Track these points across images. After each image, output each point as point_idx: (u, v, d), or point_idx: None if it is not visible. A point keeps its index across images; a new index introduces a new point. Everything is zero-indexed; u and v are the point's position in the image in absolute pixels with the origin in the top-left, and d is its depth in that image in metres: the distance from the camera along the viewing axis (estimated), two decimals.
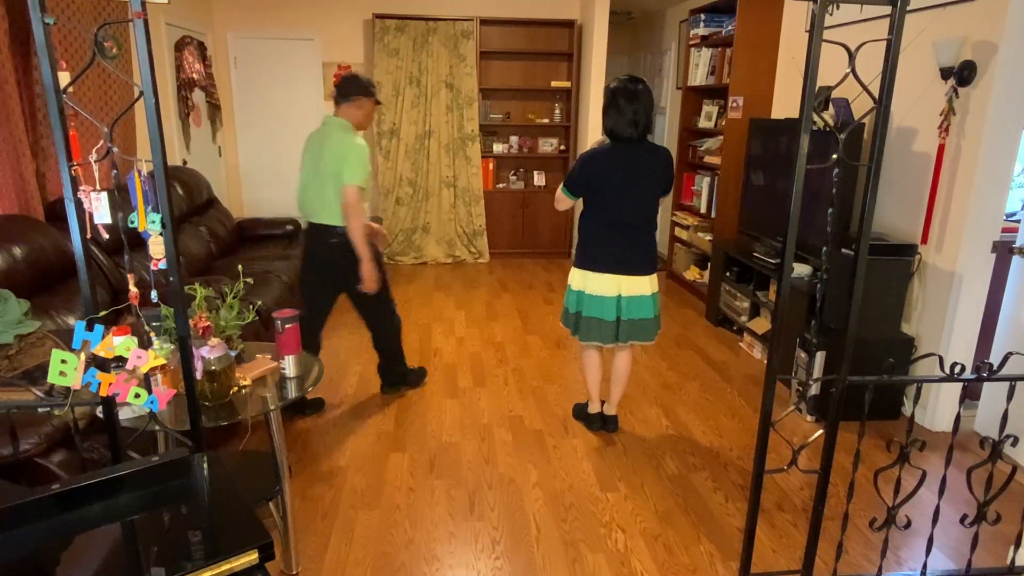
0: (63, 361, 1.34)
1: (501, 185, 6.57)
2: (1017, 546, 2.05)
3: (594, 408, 3.15)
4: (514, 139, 6.59)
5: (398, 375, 3.49)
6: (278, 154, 6.41)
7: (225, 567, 1.06)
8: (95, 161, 1.42)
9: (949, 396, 3.16)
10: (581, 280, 2.92)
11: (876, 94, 1.64)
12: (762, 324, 4.05)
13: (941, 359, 1.82)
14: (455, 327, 4.54)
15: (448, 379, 3.69)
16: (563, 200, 2.91)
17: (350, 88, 2.99)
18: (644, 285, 2.87)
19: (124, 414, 1.74)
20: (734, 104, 4.61)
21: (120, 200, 1.37)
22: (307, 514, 2.46)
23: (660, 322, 3.00)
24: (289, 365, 2.11)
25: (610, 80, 2.83)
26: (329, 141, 2.94)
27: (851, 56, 1.60)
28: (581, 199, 2.88)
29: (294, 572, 2.15)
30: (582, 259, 2.90)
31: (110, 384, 1.40)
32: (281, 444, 2.08)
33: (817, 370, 3.18)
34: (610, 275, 2.84)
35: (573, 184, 2.84)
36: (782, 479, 2.74)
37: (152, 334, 1.85)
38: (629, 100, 2.71)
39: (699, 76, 5.26)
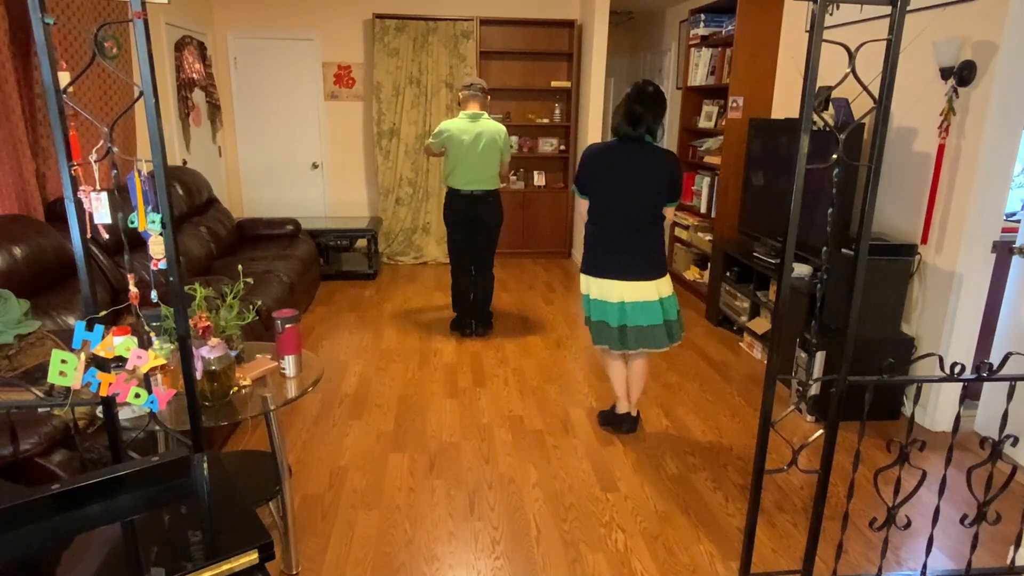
0: (63, 361, 1.34)
1: (501, 185, 6.55)
2: (1017, 546, 2.05)
3: (622, 408, 3.09)
4: (514, 139, 6.59)
5: (489, 316, 4.43)
6: (278, 154, 6.41)
7: (225, 567, 1.06)
8: (95, 161, 1.42)
9: (949, 396, 3.16)
10: (586, 285, 2.95)
11: (876, 94, 1.64)
12: (762, 324, 4.05)
13: (941, 359, 1.82)
14: None
15: (448, 379, 3.69)
16: (579, 201, 2.99)
17: (484, 87, 4.10)
18: (648, 290, 2.83)
19: (124, 414, 1.74)
20: (734, 104, 4.61)
21: (120, 200, 1.37)
22: (307, 514, 2.46)
23: (679, 327, 2.94)
24: (289, 365, 2.11)
25: None
26: (490, 130, 4.06)
27: (851, 56, 1.60)
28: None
29: (294, 572, 2.15)
30: (585, 264, 2.93)
31: (110, 384, 1.40)
32: (281, 444, 2.08)
33: (817, 370, 3.18)
34: (610, 280, 2.84)
35: (579, 179, 2.90)
36: (782, 479, 2.74)
37: (152, 334, 1.85)
38: (634, 99, 2.77)
39: (699, 76, 5.26)
